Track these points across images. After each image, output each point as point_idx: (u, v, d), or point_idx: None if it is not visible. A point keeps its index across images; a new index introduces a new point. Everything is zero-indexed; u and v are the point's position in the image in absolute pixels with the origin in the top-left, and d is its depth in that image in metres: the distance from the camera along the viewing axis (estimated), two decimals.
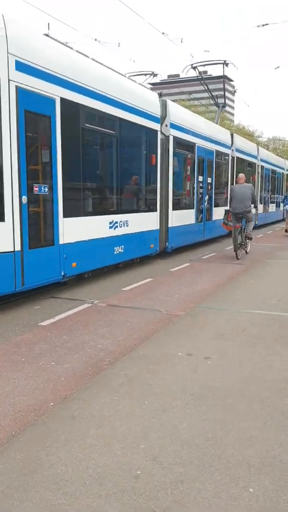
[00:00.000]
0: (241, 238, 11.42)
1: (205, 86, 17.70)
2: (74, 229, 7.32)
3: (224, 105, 19.70)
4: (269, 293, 7.06)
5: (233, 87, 49.88)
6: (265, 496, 2.31)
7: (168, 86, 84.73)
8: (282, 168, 28.46)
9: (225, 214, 12.26)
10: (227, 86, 18.75)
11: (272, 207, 24.51)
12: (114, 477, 2.46)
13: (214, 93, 18.71)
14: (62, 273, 7.12)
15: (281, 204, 27.24)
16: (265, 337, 4.91)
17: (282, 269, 9.38)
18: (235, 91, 22.47)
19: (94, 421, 3.10)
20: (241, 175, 12.21)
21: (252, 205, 11.45)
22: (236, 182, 12.16)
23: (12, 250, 6.07)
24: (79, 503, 2.26)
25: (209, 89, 18.08)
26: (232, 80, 60.06)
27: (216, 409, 3.27)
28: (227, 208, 12.01)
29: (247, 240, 11.97)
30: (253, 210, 11.92)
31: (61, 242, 7.01)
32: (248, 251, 12.26)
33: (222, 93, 18.77)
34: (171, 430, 2.97)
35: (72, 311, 6.13)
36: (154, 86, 12.00)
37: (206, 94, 20.90)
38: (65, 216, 7.05)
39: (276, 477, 2.47)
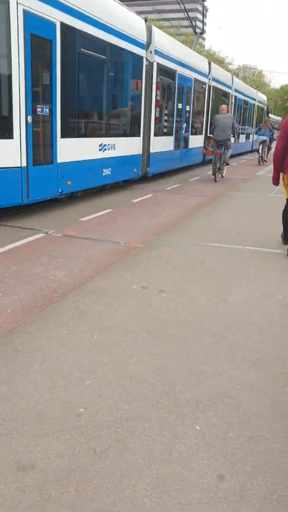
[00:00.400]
0: (219, 163, 12.82)
1: (182, 5, 16.58)
2: (69, 150, 7.85)
3: (202, 31, 18.99)
4: (230, 226, 6.94)
5: (205, 7, 47.02)
6: (211, 434, 2.24)
7: (137, 3, 79.06)
8: (254, 99, 27.80)
9: (206, 140, 13.53)
10: (198, 6, 17.77)
11: (242, 138, 24.14)
12: (55, 415, 2.33)
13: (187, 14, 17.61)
14: (59, 190, 7.73)
15: (252, 136, 26.90)
16: (222, 270, 4.81)
17: (245, 202, 9.25)
18: (206, 11, 20.95)
19: (39, 356, 2.93)
20: (224, 106, 13.56)
21: (232, 134, 12.66)
22: (219, 112, 13.14)
23: (20, 165, 6.62)
24: (15, 443, 2.12)
25: (187, 11, 17.01)
26: (204, 0, 56.50)
27: (168, 343, 3.17)
28: (209, 135, 13.04)
29: (224, 165, 13.26)
30: (232, 139, 13.02)
31: (58, 161, 7.55)
32: (224, 175, 13.45)
33: (195, 14, 17.93)
34: (120, 365, 2.85)
35: (25, 241, 5.83)
36: (122, 1, 11.12)
37: (177, 15, 19.81)
38: (62, 136, 7.56)
39: (224, 413, 2.40)
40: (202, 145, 16.40)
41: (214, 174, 12.64)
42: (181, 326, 3.44)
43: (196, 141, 15.98)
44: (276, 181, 5.75)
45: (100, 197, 9.44)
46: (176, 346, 3.13)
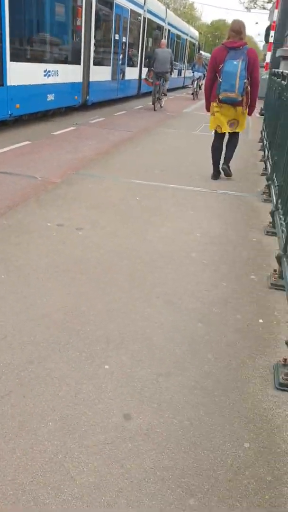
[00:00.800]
0: (159, 94, 14.02)
1: None
2: (18, 73, 8.03)
3: None
4: (153, 162, 6.75)
5: None
6: (121, 372, 2.17)
7: None
8: (186, 34, 26.95)
9: (147, 72, 14.64)
10: None
11: (174, 74, 23.62)
12: None
13: None
14: (9, 112, 8.01)
15: (184, 71, 26.35)
16: (143, 208, 4.68)
17: (170, 138, 9.05)
18: None
19: None
20: (163, 41, 14.68)
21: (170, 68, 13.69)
22: (159, 47, 13.84)
23: None
24: None
25: None
26: None
27: (82, 282, 3.03)
28: (150, 67, 13.99)
29: (163, 96, 14.49)
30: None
31: (8, 84, 7.76)
32: (162, 105, 14.64)
33: None
34: (29, 306, 2.67)
35: None
36: None
37: None
38: (11, 60, 7.71)
39: (135, 351, 2.34)
40: (138, 77, 16.84)
41: (153, 103, 13.92)
42: (97, 265, 3.30)
43: (132, 73, 16.19)
44: (209, 108, 5.77)
45: (17, 129, 8.78)
46: (90, 285, 3.00)
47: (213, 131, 5.83)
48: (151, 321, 2.63)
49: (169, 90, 22.89)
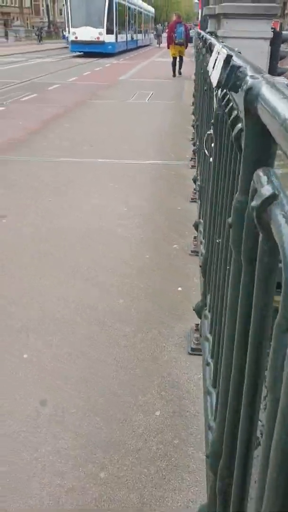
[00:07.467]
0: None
1: None
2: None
3: None
4: (82, 138, 6.62)
5: None
6: (37, 359, 2.20)
7: None
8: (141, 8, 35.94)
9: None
10: None
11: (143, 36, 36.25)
12: None
13: None
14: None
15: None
16: (70, 186, 4.61)
17: (102, 111, 8.90)
18: None
19: None
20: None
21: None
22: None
23: None
24: None
25: None
26: None
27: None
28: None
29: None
30: None
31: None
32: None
33: None
34: None
35: None
36: None
37: None
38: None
39: (52, 334, 2.37)
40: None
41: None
42: (16, 248, 3.26)
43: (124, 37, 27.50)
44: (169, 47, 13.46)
45: None
46: (9, 269, 2.97)
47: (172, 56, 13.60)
48: (70, 301, 2.65)
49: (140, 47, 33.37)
